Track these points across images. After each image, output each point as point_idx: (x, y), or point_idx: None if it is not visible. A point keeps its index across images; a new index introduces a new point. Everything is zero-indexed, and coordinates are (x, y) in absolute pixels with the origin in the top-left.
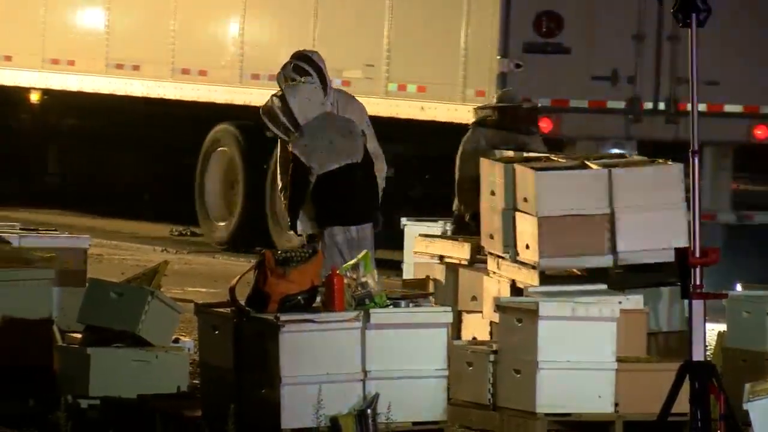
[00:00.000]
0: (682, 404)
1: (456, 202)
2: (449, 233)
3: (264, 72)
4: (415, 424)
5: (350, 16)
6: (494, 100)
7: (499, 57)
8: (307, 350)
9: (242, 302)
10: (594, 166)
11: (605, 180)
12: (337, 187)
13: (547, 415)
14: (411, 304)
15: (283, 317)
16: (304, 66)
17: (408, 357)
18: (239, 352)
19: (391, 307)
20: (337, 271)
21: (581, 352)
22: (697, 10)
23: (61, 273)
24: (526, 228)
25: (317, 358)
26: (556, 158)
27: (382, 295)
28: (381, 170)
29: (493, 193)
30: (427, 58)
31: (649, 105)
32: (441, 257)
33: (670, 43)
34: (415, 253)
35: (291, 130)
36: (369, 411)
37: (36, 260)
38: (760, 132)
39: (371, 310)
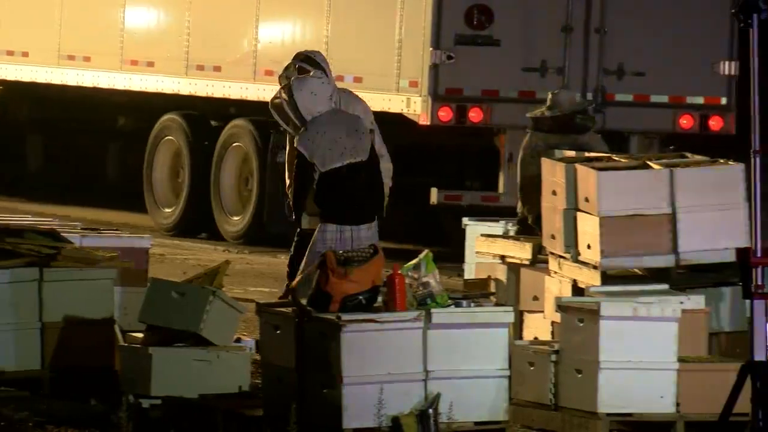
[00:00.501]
0: (744, 404)
1: (519, 205)
2: (512, 234)
3: (208, 63)
4: (476, 424)
5: (291, 10)
6: (547, 103)
7: (431, 49)
8: (368, 350)
9: (304, 302)
10: (655, 166)
11: (667, 180)
12: (339, 186)
13: (608, 415)
14: (472, 304)
15: (345, 317)
16: (306, 67)
17: (469, 357)
18: (301, 351)
19: (453, 306)
20: (399, 271)
21: (643, 352)
22: (757, 10)
23: (122, 272)
24: (588, 228)
25: (379, 358)
26: (617, 158)
27: (444, 295)
28: (387, 169)
29: (554, 193)
30: (364, 49)
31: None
32: (502, 257)
33: (598, 36)
34: (477, 252)
35: (297, 124)
36: (430, 411)
37: (98, 260)
38: (685, 121)
39: (433, 310)
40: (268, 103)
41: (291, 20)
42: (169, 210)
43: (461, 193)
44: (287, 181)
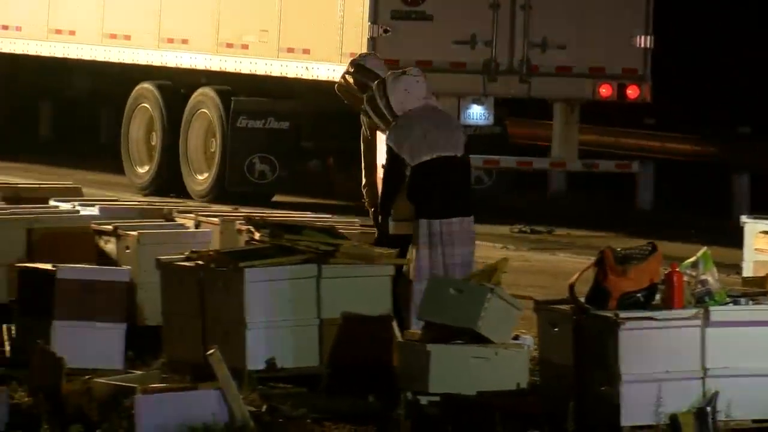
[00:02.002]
0: None
1: None
2: None
3: (177, 37)
4: (754, 422)
5: None
6: None
7: (369, 23)
8: (646, 348)
9: (582, 299)
10: None
11: None
12: (429, 179)
13: None
14: (751, 302)
15: (623, 315)
16: (362, 80)
17: (749, 354)
18: (579, 349)
19: (731, 304)
20: (677, 269)
21: None
22: None
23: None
24: None
25: (657, 356)
26: None
27: (722, 293)
28: None
29: None
30: (311, 24)
31: (504, 66)
32: None
33: (523, 12)
34: (756, 250)
35: (389, 119)
36: (708, 409)
37: (376, 256)
38: (604, 90)
39: (711, 308)
40: (229, 72)
41: None
42: (143, 171)
43: None
44: (363, 180)
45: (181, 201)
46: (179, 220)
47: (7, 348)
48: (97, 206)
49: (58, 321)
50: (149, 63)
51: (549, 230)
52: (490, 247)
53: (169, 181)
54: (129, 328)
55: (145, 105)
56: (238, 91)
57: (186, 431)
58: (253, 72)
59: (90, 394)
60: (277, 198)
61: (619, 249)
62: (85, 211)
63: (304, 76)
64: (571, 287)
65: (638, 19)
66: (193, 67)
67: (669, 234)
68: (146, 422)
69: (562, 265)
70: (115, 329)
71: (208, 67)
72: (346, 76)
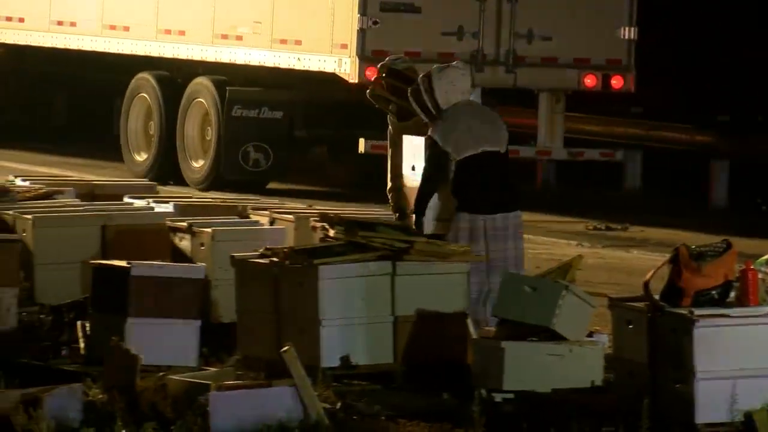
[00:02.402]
0: None
1: None
2: None
3: (174, 28)
4: None
5: None
6: None
7: (359, 15)
8: (721, 345)
9: (656, 297)
10: None
11: None
12: (474, 173)
13: None
14: None
15: (698, 312)
16: (396, 84)
17: None
18: (653, 346)
19: None
20: (752, 266)
21: None
22: None
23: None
24: None
25: (731, 353)
26: None
27: None
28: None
29: None
30: (303, 16)
31: (491, 57)
32: None
33: (510, 4)
34: None
35: (433, 113)
36: None
37: (450, 254)
38: (589, 80)
39: None
40: (224, 63)
41: None
42: (141, 159)
43: (386, 143)
44: (389, 184)
45: (255, 198)
46: (254, 217)
47: (82, 345)
48: (172, 203)
49: (132, 318)
50: (147, 54)
51: (624, 227)
52: (564, 244)
53: (166, 168)
54: (203, 325)
55: (144, 95)
56: (233, 81)
57: (260, 428)
58: (247, 62)
59: (164, 391)
60: (271, 186)
61: (693, 246)
62: (160, 208)
63: (296, 67)
64: (646, 284)
65: (622, 11)
66: (190, 57)
67: (743, 231)
68: (220, 419)
69: (636, 262)
70: (189, 326)
71: (204, 58)
72: (379, 80)
